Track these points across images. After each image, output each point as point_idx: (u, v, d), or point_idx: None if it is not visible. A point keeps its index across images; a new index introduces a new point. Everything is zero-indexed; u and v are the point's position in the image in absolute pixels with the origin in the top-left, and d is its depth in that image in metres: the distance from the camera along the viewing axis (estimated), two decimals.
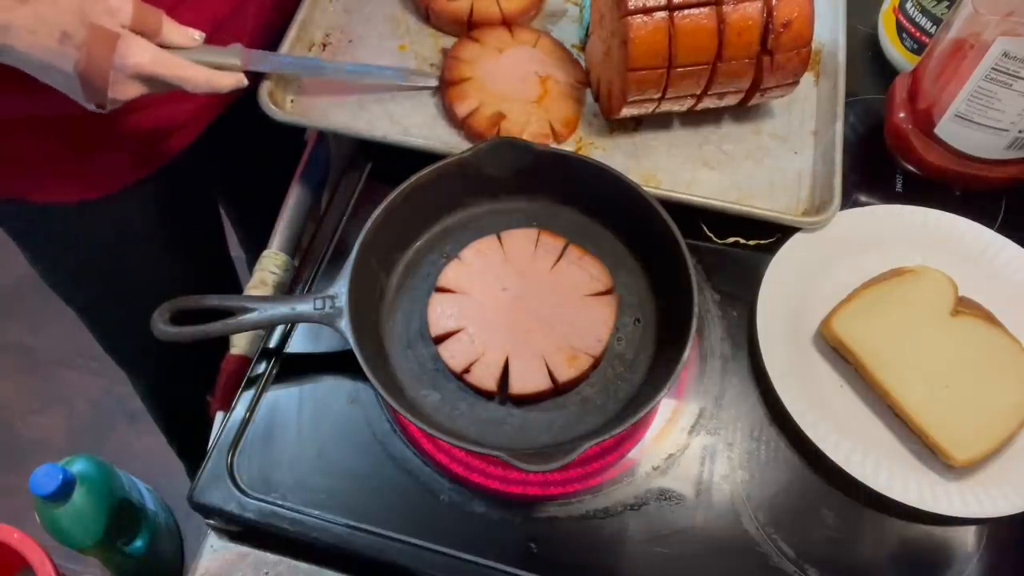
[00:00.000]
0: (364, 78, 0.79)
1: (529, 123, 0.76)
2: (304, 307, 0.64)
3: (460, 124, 0.77)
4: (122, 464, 1.29)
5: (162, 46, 0.63)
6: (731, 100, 0.76)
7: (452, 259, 0.68)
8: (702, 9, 0.68)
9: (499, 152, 0.69)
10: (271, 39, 0.81)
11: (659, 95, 0.72)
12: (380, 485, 0.64)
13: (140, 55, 0.60)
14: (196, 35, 0.66)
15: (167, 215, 0.91)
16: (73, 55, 0.58)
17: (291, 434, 0.66)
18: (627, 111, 0.74)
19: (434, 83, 0.79)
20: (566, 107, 0.78)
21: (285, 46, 0.79)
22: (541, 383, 0.63)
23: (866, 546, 0.63)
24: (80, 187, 0.80)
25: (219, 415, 0.69)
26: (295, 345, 0.70)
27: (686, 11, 0.68)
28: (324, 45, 0.83)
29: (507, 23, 0.83)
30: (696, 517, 0.63)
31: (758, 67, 0.72)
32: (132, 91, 0.62)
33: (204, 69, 0.66)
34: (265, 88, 0.76)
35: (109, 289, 0.94)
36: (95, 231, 0.86)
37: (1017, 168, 0.76)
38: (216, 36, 0.70)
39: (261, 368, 0.68)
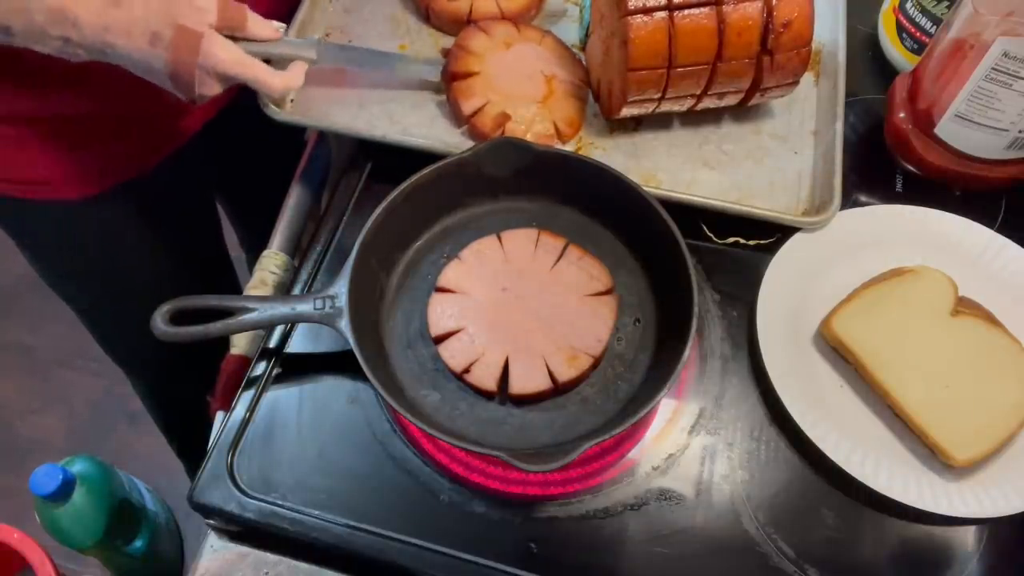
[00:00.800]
0: (413, 72, 0.79)
1: (534, 124, 0.75)
2: (304, 307, 0.64)
3: (464, 121, 0.76)
4: (122, 464, 1.29)
5: (248, 39, 0.67)
6: (731, 100, 0.76)
7: (452, 259, 0.68)
8: (702, 9, 0.68)
9: (499, 152, 0.69)
10: None
11: (659, 95, 0.72)
12: (380, 485, 0.64)
13: (222, 55, 0.64)
14: (279, 26, 0.70)
15: (164, 214, 0.91)
16: (162, 55, 0.62)
17: (291, 434, 0.66)
18: (627, 111, 0.74)
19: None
20: (570, 107, 0.78)
21: None
22: (541, 383, 0.63)
23: (866, 546, 0.63)
24: (79, 184, 0.80)
25: (219, 415, 0.69)
26: (295, 345, 0.70)
27: (686, 11, 0.68)
28: None
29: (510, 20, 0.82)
30: (696, 517, 0.63)
31: (758, 67, 0.72)
32: (216, 88, 0.66)
33: (280, 74, 0.69)
34: None
35: (107, 289, 0.94)
36: (93, 229, 0.86)
37: (1017, 168, 0.76)
38: None
39: (261, 368, 0.68)
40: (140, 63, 0.62)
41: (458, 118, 0.77)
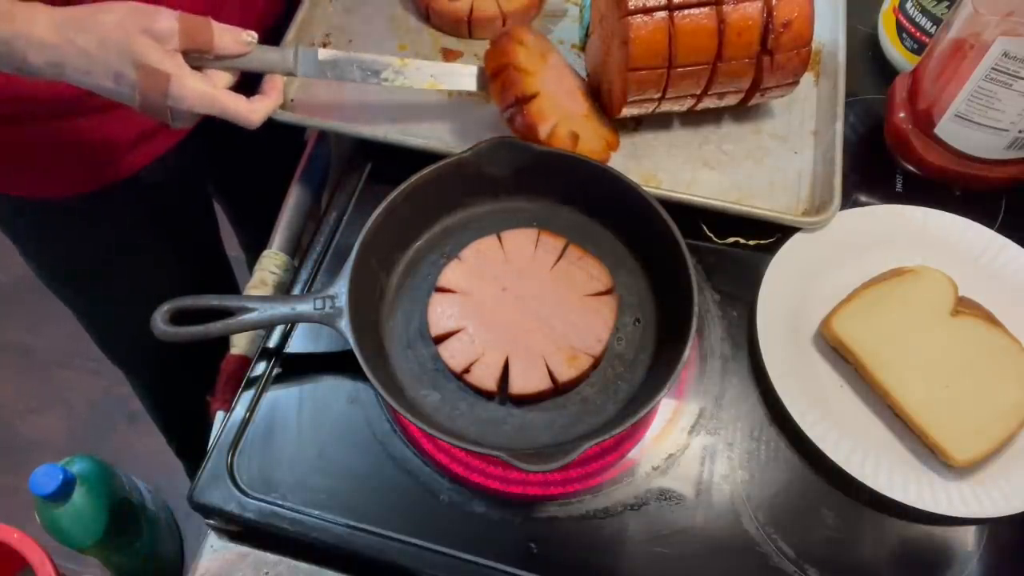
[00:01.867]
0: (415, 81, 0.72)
1: (591, 140, 0.73)
2: (304, 307, 0.64)
3: (535, 142, 0.70)
4: (122, 464, 1.29)
5: (217, 57, 0.62)
6: (731, 100, 0.76)
7: (452, 259, 0.68)
8: (702, 9, 0.68)
9: (499, 152, 0.69)
10: (267, 39, 0.81)
11: (659, 95, 0.72)
12: (380, 485, 0.64)
13: (189, 96, 0.59)
14: (247, 38, 0.64)
15: (159, 214, 0.90)
16: (130, 93, 0.58)
17: (291, 434, 0.66)
18: (627, 111, 0.74)
19: (470, 86, 0.74)
20: (604, 119, 0.76)
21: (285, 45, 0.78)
22: (541, 383, 0.63)
23: (866, 546, 0.63)
24: (71, 183, 0.80)
25: (219, 415, 0.69)
26: (295, 345, 0.70)
27: (686, 11, 0.68)
28: (324, 45, 0.83)
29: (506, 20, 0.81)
30: (696, 517, 0.63)
31: (758, 67, 0.72)
32: (191, 121, 0.63)
33: (254, 103, 0.64)
34: None
35: (103, 289, 0.94)
36: (86, 226, 0.86)
37: (1017, 168, 0.76)
38: None
39: (261, 368, 0.68)
40: (107, 95, 0.59)
41: (526, 138, 0.71)
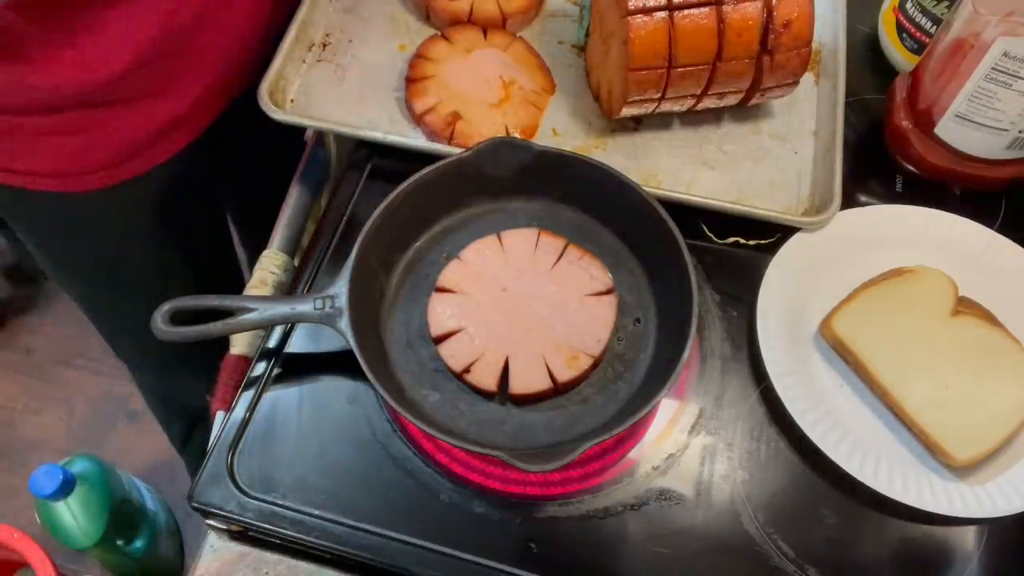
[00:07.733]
0: None
1: (484, 125, 0.76)
2: (304, 307, 0.64)
3: (418, 121, 0.77)
4: (122, 464, 1.30)
5: None
6: (731, 100, 0.76)
7: (452, 259, 0.68)
8: (702, 9, 0.68)
9: (499, 152, 0.69)
10: (269, 38, 0.81)
11: (659, 95, 0.72)
12: (380, 485, 0.64)
13: None
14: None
15: (167, 211, 0.90)
16: None
17: (291, 434, 0.66)
18: (627, 111, 0.74)
19: None
20: (525, 113, 0.78)
21: (285, 45, 0.78)
22: (541, 383, 0.63)
23: (866, 546, 0.63)
24: (82, 179, 0.80)
25: (219, 415, 0.69)
26: (295, 345, 0.70)
27: (686, 11, 0.68)
28: (324, 45, 0.83)
29: (483, 26, 0.83)
30: (696, 517, 0.63)
31: (758, 67, 0.72)
32: None
33: None
34: (265, 88, 0.76)
35: (109, 283, 0.95)
36: (97, 223, 0.86)
37: (1017, 168, 0.76)
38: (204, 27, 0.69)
39: (261, 368, 0.68)
40: None
41: (413, 118, 0.78)
